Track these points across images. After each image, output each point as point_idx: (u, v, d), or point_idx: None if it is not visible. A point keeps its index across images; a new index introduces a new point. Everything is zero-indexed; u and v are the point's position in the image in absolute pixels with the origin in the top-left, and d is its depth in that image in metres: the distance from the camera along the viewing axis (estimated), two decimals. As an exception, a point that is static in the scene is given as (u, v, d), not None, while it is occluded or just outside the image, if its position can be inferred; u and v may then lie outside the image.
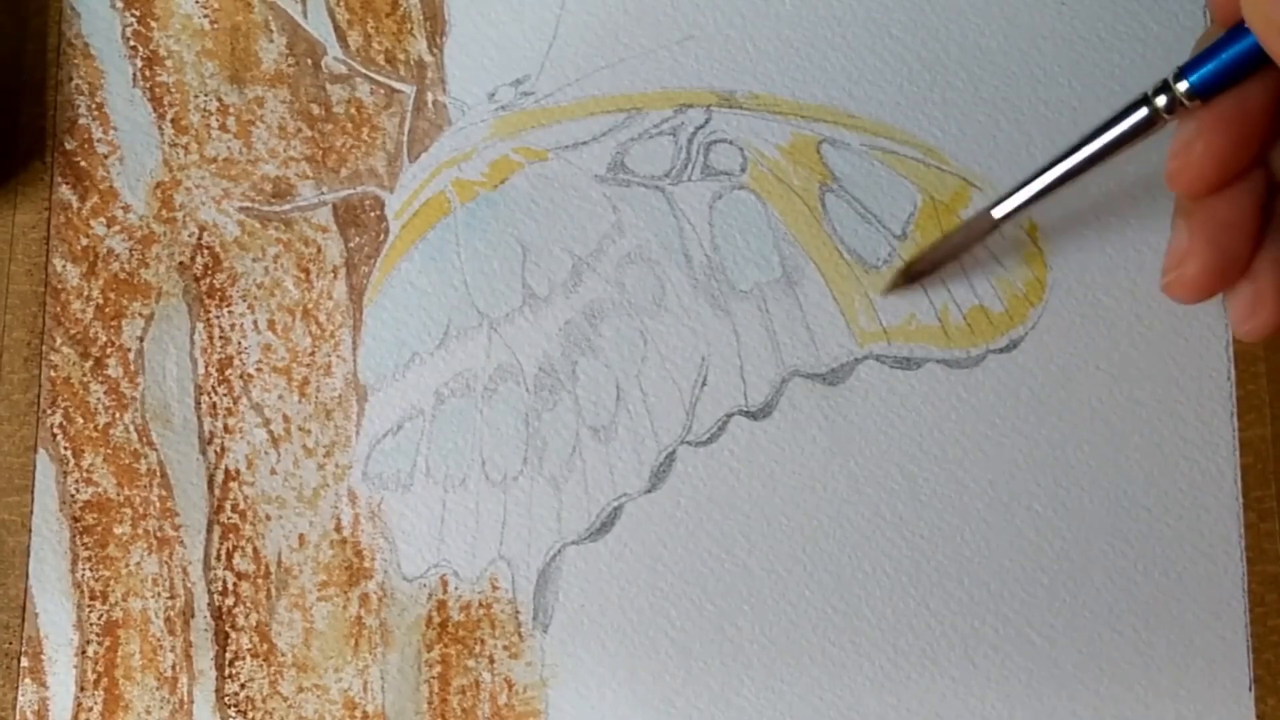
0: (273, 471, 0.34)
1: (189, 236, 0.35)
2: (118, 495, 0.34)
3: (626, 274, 0.35)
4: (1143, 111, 0.29)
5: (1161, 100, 0.28)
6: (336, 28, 0.36)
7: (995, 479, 0.34)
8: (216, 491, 0.34)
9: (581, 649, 0.33)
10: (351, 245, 0.35)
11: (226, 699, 0.33)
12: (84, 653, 0.34)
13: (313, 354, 0.35)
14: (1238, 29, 0.27)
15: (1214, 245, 0.29)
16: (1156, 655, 0.33)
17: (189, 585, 0.34)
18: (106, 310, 0.35)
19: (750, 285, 0.35)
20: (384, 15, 0.36)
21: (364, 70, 0.36)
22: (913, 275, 0.34)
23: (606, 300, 0.35)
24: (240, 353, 0.35)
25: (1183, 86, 0.28)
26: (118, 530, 0.34)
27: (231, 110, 0.36)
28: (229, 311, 0.35)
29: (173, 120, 0.36)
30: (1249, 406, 0.34)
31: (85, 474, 0.34)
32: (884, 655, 0.33)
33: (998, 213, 0.31)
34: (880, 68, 0.35)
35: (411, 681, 0.33)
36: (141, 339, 0.35)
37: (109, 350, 0.35)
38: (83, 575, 0.34)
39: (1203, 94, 0.28)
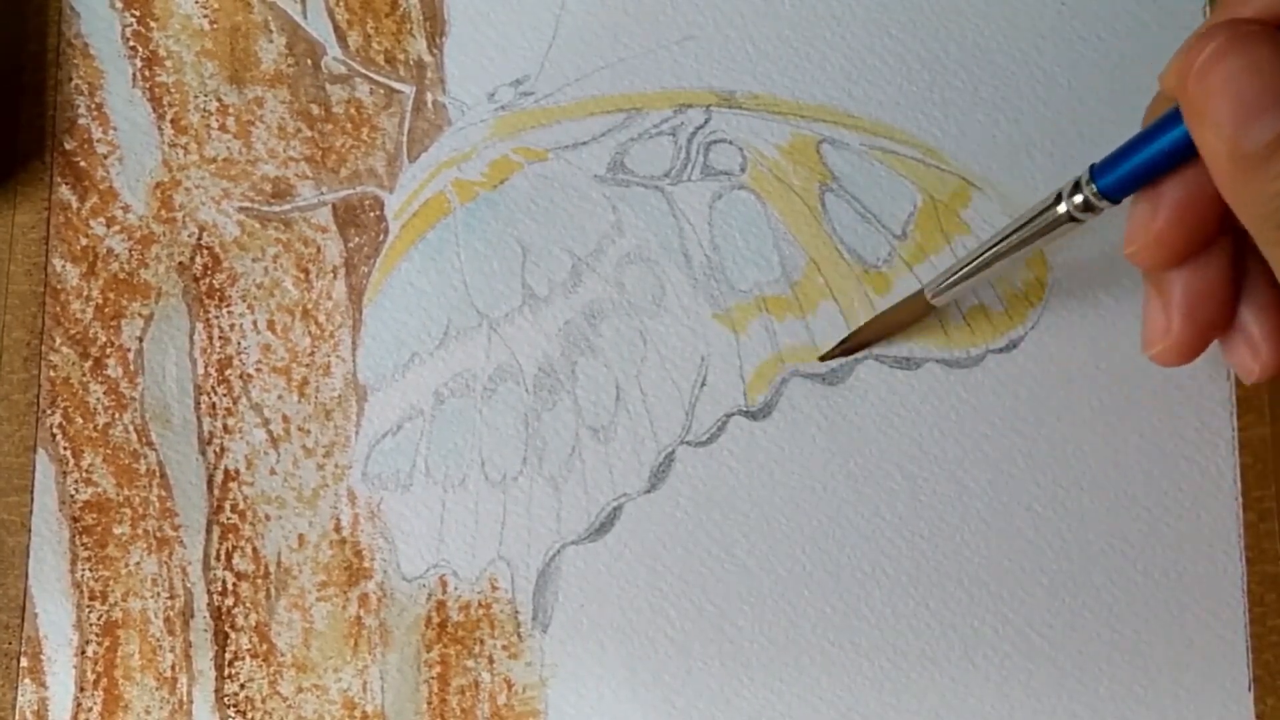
0: (272, 472, 0.34)
1: (188, 237, 0.35)
2: (117, 495, 0.34)
3: (626, 274, 0.35)
4: (1059, 209, 0.28)
5: (1078, 199, 0.28)
6: (336, 28, 0.36)
7: (995, 479, 0.34)
8: (216, 491, 0.34)
9: (581, 649, 0.33)
10: (351, 245, 0.35)
11: (226, 699, 0.33)
12: (83, 653, 0.34)
13: (312, 354, 0.35)
14: (1151, 131, 0.26)
15: (1192, 318, 0.28)
16: (1156, 655, 0.33)
17: (188, 585, 0.34)
18: (106, 310, 0.35)
19: (750, 285, 0.35)
20: (383, 15, 0.36)
21: (363, 70, 0.36)
22: (849, 350, 0.34)
23: (606, 300, 0.35)
24: (240, 353, 0.35)
25: (1093, 189, 0.27)
26: (117, 530, 0.34)
27: (231, 110, 0.36)
28: (228, 312, 0.35)
29: (172, 120, 0.36)
30: (1249, 406, 0.34)
31: (85, 474, 0.34)
32: (884, 655, 0.33)
33: (930, 293, 0.32)
34: (880, 68, 0.35)
35: (411, 681, 0.33)
36: (141, 339, 0.35)
37: (108, 350, 0.35)
38: (82, 575, 0.34)
39: (1112, 198, 0.27)
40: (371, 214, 0.35)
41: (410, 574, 0.34)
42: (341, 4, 0.36)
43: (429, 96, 0.36)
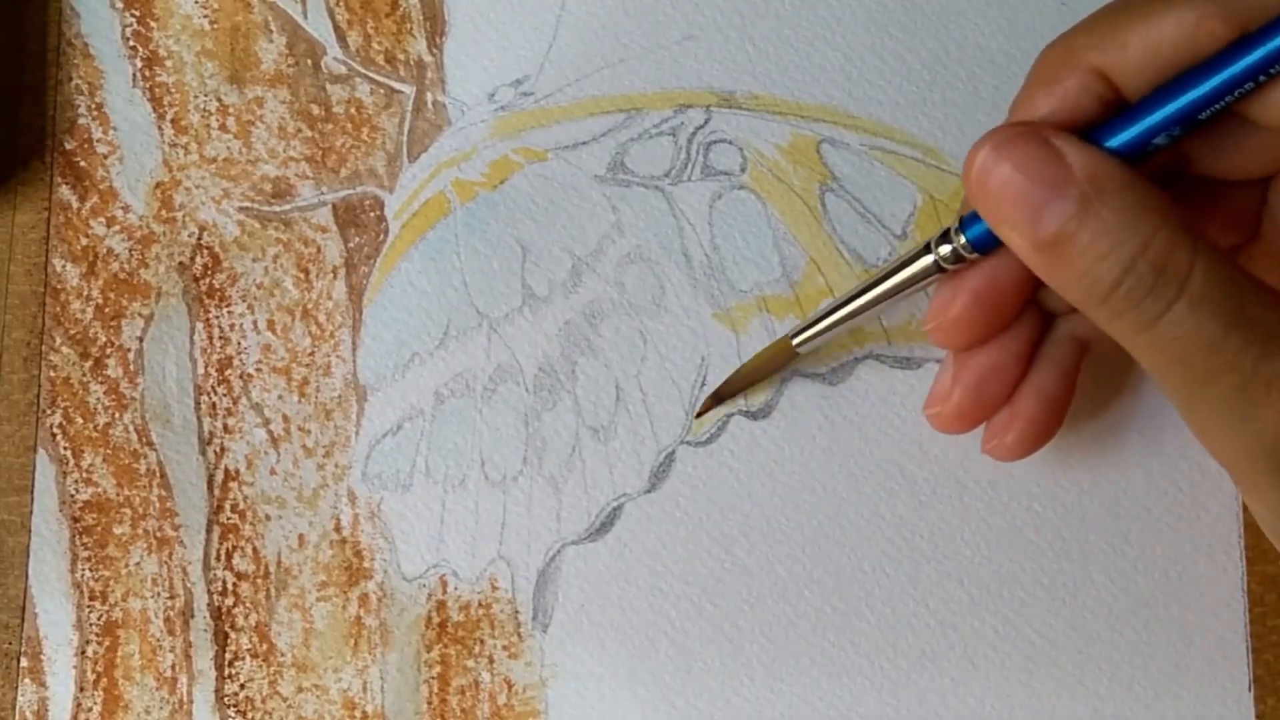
0: (272, 472, 0.34)
1: (189, 236, 0.35)
2: (117, 495, 0.34)
3: (626, 274, 0.35)
4: (928, 259, 0.29)
5: (946, 250, 0.29)
6: (336, 28, 0.36)
7: (995, 479, 0.34)
8: (216, 492, 0.34)
9: (581, 649, 0.33)
10: (351, 245, 0.35)
11: (226, 699, 0.33)
12: (83, 653, 0.34)
13: (312, 354, 0.35)
14: None
15: (971, 391, 0.30)
16: (1156, 655, 0.33)
17: (189, 585, 0.34)
18: (106, 310, 0.35)
19: (750, 285, 0.35)
20: (384, 15, 0.36)
21: (364, 70, 0.36)
22: (719, 398, 0.34)
23: (606, 300, 0.35)
24: (240, 353, 0.35)
25: (963, 240, 0.28)
26: (117, 530, 0.34)
27: (231, 110, 0.36)
28: (229, 312, 0.35)
29: (172, 120, 0.36)
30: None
31: (85, 474, 0.34)
32: (884, 655, 0.33)
33: (796, 342, 0.32)
34: (880, 68, 0.35)
35: (411, 681, 0.33)
36: (141, 339, 0.35)
37: (109, 350, 0.35)
38: (82, 575, 0.34)
39: (981, 249, 0.28)
40: (371, 214, 0.35)
41: (410, 574, 0.34)
42: (341, 4, 0.36)
43: (429, 96, 0.36)
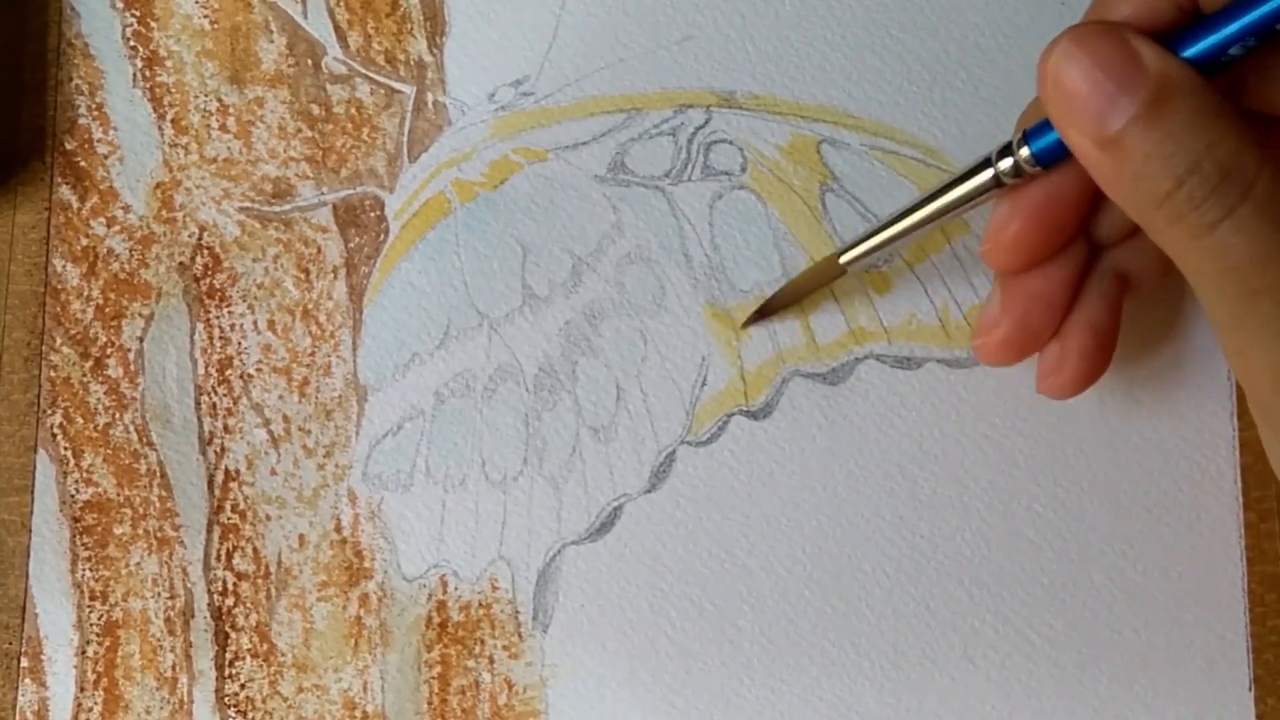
0: (273, 472, 0.34)
1: (189, 237, 0.35)
2: (118, 495, 0.34)
3: (626, 274, 0.35)
4: (987, 174, 0.29)
5: (1006, 164, 0.28)
6: (336, 28, 0.36)
7: (995, 479, 0.34)
8: (216, 492, 0.34)
9: (581, 649, 0.33)
10: (351, 245, 0.35)
11: (226, 699, 0.33)
12: (84, 653, 0.34)
13: (312, 354, 0.35)
14: None
15: (1018, 320, 0.30)
16: (1156, 655, 0.33)
17: (189, 585, 0.34)
18: (106, 310, 0.35)
19: (750, 285, 0.35)
20: (384, 15, 0.36)
21: (364, 70, 0.36)
22: (765, 313, 0.34)
23: (606, 300, 0.35)
24: (240, 353, 0.35)
25: (1025, 153, 0.28)
26: (118, 530, 0.34)
27: (231, 110, 0.36)
28: (229, 312, 0.35)
29: (173, 120, 0.36)
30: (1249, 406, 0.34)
31: (85, 474, 0.34)
32: (884, 655, 0.33)
33: (844, 260, 0.32)
34: (880, 68, 0.35)
35: (411, 682, 0.33)
36: (141, 339, 0.35)
37: (109, 350, 0.35)
38: (83, 575, 0.34)
39: (1044, 161, 0.28)
40: (372, 214, 0.35)
41: (411, 574, 0.34)
42: (342, 4, 0.36)
43: (429, 96, 0.36)
